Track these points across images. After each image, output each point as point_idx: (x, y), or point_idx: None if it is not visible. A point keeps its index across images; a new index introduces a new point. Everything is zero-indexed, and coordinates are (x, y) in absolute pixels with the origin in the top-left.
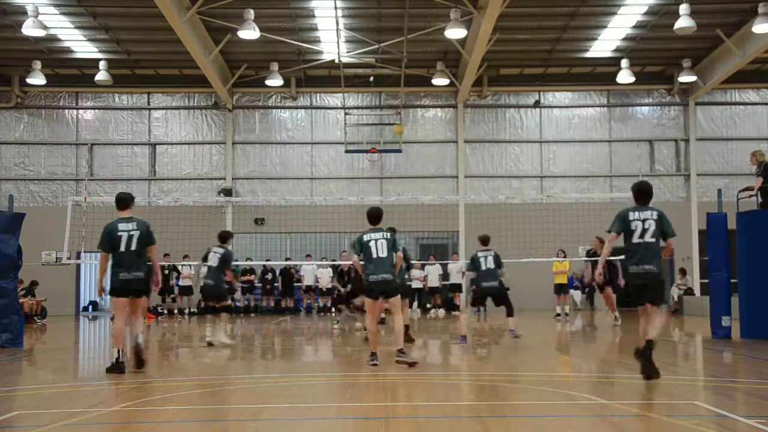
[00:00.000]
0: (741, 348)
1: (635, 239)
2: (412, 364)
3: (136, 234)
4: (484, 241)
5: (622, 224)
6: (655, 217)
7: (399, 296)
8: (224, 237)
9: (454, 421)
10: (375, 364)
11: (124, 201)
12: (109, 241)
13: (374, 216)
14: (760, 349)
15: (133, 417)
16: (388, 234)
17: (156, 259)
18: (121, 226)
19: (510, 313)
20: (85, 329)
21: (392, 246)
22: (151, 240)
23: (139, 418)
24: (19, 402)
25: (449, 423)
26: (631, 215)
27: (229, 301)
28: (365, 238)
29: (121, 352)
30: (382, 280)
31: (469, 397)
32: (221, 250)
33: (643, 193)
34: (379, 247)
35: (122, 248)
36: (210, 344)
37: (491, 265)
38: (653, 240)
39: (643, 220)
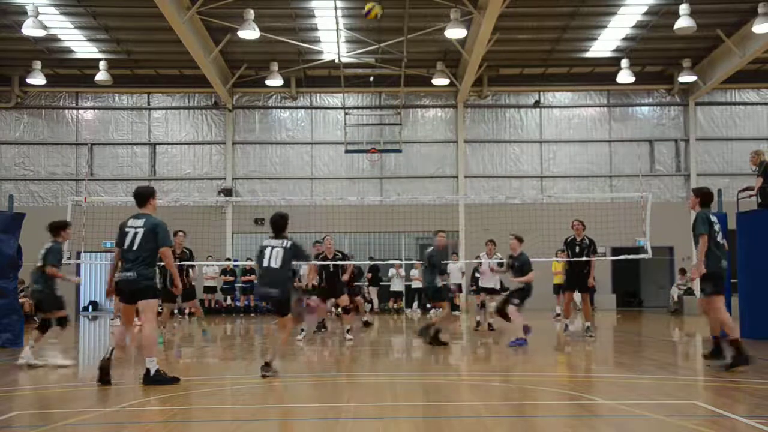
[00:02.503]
0: None
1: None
2: (268, 376)
3: (141, 231)
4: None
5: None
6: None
7: (288, 314)
8: (54, 228)
9: (454, 421)
10: (265, 376)
11: (139, 196)
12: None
13: (274, 225)
14: (760, 349)
15: (133, 417)
16: (289, 244)
17: (170, 262)
18: (131, 221)
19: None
20: (85, 329)
21: (290, 257)
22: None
23: (139, 418)
24: (19, 402)
25: (449, 423)
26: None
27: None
28: (264, 243)
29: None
30: (265, 294)
31: (469, 397)
32: (48, 245)
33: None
34: (273, 255)
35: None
36: (30, 366)
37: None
38: None
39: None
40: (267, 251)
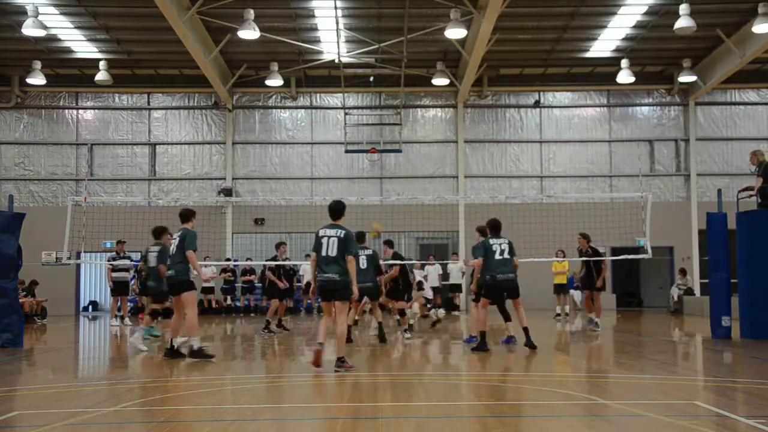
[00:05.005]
0: (741, 348)
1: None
2: (349, 368)
3: (335, 240)
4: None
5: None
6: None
7: (344, 300)
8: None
9: (454, 421)
10: (344, 366)
11: (184, 216)
12: None
13: (333, 210)
14: (760, 349)
15: (133, 417)
16: (343, 233)
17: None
18: (324, 231)
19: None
20: (85, 329)
21: (344, 247)
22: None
23: (139, 418)
24: (19, 402)
25: (449, 423)
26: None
27: None
28: (320, 233)
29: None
30: (325, 280)
31: (469, 397)
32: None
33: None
34: (330, 245)
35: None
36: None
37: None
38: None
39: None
40: (324, 241)
